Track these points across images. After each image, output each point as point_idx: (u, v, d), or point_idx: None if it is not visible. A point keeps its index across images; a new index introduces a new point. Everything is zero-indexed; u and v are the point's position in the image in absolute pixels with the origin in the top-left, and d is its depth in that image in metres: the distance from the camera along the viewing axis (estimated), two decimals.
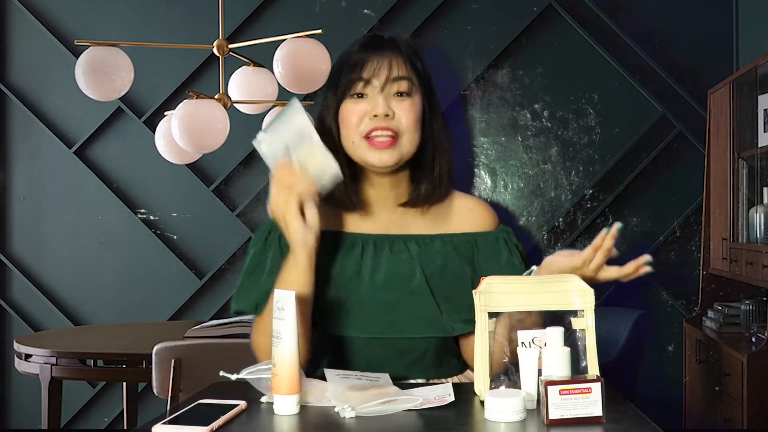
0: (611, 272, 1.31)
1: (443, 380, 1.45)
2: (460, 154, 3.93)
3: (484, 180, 4.01)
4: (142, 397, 3.83)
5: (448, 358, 1.48)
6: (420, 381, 1.43)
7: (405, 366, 1.43)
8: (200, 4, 4.00)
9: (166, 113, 3.03)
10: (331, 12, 4.02)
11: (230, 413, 1.14)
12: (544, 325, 1.24)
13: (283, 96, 3.25)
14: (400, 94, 1.42)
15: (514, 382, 1.22)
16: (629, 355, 3.18)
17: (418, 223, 1.48)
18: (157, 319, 4.02)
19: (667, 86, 3.92)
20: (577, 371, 1.21)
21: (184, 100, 2.67)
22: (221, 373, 1.24)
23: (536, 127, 3.99)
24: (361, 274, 1.42)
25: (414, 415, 1.16)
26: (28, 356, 2.82)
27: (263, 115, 3.08)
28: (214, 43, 2.82)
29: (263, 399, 1.24)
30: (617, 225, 1.30)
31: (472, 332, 1.27)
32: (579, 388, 1.10)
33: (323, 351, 1.44)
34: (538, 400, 1.16)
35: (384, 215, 1.48)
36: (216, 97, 2.75)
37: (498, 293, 1.24)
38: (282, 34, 2.88)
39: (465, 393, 1.27)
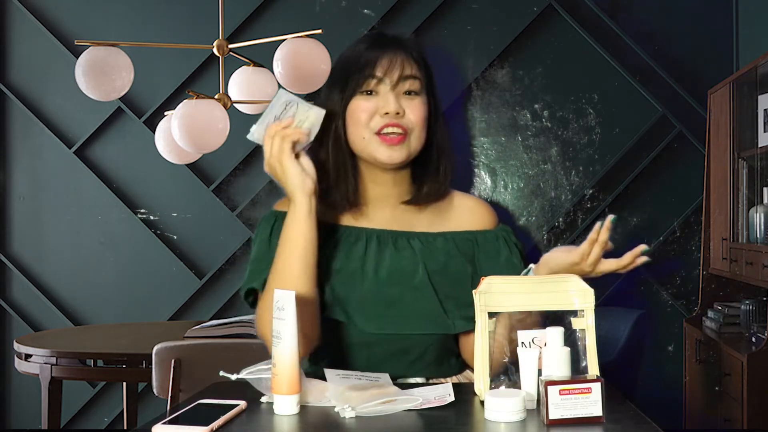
0: (609, 264, 1.32)
1: (442, 380, 1.45)
2: (460, 154, 3.93)
3: (484, 180, 4.01)
4: (142, 397, 3.83)
5: (448, 358, 1.48)
6: (420, 380, 1.43)
7: (405, 364, 1.44)
8: (200, 4, 4.00)
9: (166, 113, 3.02)
10: (331, 12, 4.02)
11: (230, 413, 1.14)
12: (544, 325, 1.24)
13: None
14: (409, 92, 1.44)
15: (514, 382, 1.22)
16: (629, 355, 3.18)
17: (420, 221, 1.49)
18: (157, 319, 4.02)
19: (667, 86, 3.92)
20: (577, 371, 1.21)
21: (184, 100, 2.67)
22: (221, 373, 1.24)
23: (536, 127, 3.99)
24: (365, 269, 1.43)
25: (414, 415, 1.16)
26: (28, 356, 2.82)
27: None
28: (214, 43, 2.82)
29: (263, 399, 1.24)
30: (611, 217, 1.30)
31: (473, 330, 1.27)
32: (579, 388, 1.10)
33: (324, 345, 1.44)
34: (538, 400, 1.16)
35: (386, 212, 1.49)
36: (216, 97, 2.75)
37: (498, 293, 1.25)
38: (282, 34, 2.88)
39: (465, 393, 1.27)
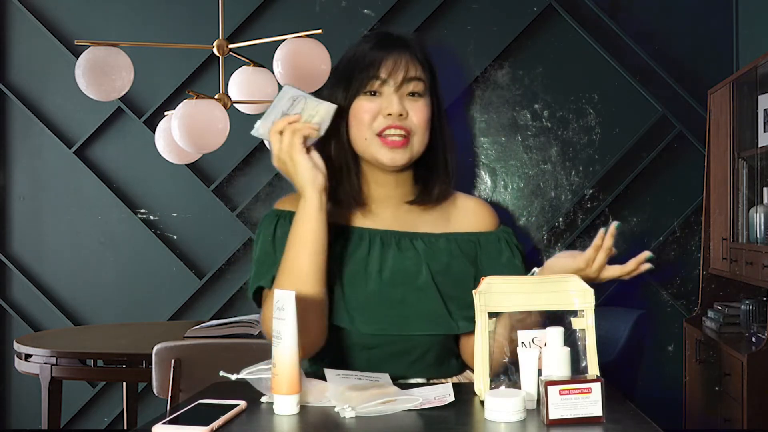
0: (613, 271, 1.32)
1: (443, 380, 1.45)
2: (462, 154, 3.93)
3: (484, 180, 4.01)
4: (142, 397, 3.83)
5: (448, 358, 1.48)
6: (420, 381, 1.43)
7: (406, 365, 1.43)
8: (200, 4, 4.00)
9: (166, 113, 3.02)
10: (331, 12, 4.02)
11: (230, 413, 1.14)
12: (544, 325, 1.24)
13: None
14: (413, 94, 1.44)
15: (514, 382, 1.22)
16: (629, 355, 3.18)
17: (422, 222, 1.49)
18: (157, 319, 4.02)
19: (667, 86, 3.92)
20: (577, 371, 1.21)
21: (184, 100, 2.67)
22: (221, 373, 1.24)
23: (536, 127, 3.99)
24: (368, 269, 1.43)
25: (414, 415, 1.16)
26: (28, 356, 2.82)
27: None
28: (214, 43, 2.82)
29: (263, 399, 1.24)
30: (615, 224, 1.31)
31: (474, 331, 1.27)
32: (579, 388, 1.10)
33: (325, 346, 1.43)
34: (538, 400, 1.16)
35: (388, 213, 1.48)
36: (216, 97, 2.75)
37: (498, 293, 1.25)
38: (282, 34, 2.88)
39: (465, 393, 1.27)
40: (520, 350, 1.22)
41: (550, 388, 1.09)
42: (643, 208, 3.94)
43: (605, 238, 1.30)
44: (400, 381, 1.39)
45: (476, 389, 1.25)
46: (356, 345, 1.43)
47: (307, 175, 1.35)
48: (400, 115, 1.41)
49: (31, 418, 4.09)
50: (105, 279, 4.09)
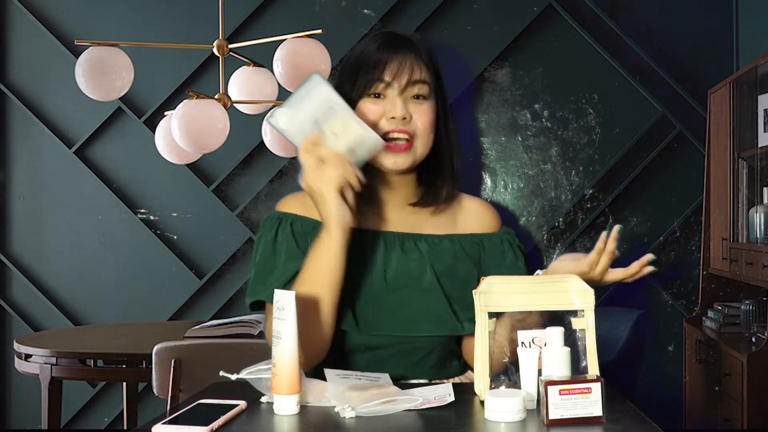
0: (616, 274, 1.32)
1: (444, 381, 1.45)
2: (465, 154, 3.93)
3: (484, 180, 4.01)
4: (142, 397, 3.83)
5: (450, 360, 1.48)
6: (422, 381, 1.43)
7: (408, 366, 1.43)
8: (200, 4, 4.00)
9: (166, 113, 3.03)
10: (331, 12, 4.02)
11: (230, 413, 1.14)
12: (544, 325, 1.24)
13: (283, 96, 3.25)
14: (417, 97, 1.42)
15: (514, 382, 1.22)
16: (629, 355, 3.18)
17: (426, 223, 1.49)
18: (157, 319, 4.02)
19: (667, 86, 3.92)
20: (577, 371, 1.21)
21: (184, 100, 2.67)
22: (221, 373, 1.24)
23: (536, 127, 3.99)
24: (373, 271, 1.42)
25: (414, 415, 1.16)
26: (28, 356, 2.82)
27: (263, 115, 3.08)
28: (214, 43, 2.82)
29: (263, 399, 1.24)
30: (617, 227, 1.31)
31: None
32: (579, 388, 1.10)
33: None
34: (538, 400, 1.16)
35: (393, 214, 1.48)
36: (216, 97, 2.75)
37: (498, 293, 1.24)
38: (282, 34, 2.89)
39: (465, 393, 1.27)
40: (520, 350, 1.22)
41: (550, 388, 1.09)
42: (643, 208, 3.94)
43: (608, 242, 1.30)
44: (401, 381, 1.39)
45: (476, 389, 1.25)
46: (359, 346, 1.42)
47: (337, 213, 1.32)
48: (404, 118, 1.40)
49: (31, 418, 4.09)
50: (105, 279, 4.09)
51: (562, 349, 1.19)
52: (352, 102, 1.42)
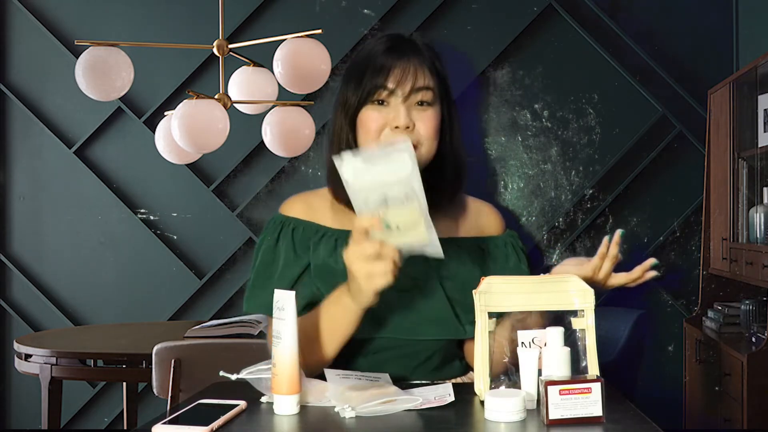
0: (619, 278, 1.32)
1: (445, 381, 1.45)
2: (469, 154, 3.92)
3: (484, 180, 4.01)
4: (142, 397, 3.83)
5: (452, 361, 1.48)
6: (422, 381, 1.43)
7: (410, 368, 1.43)
8: (200, 4, 4.00)
9: (166, 113, 3.02)
10: (331, 12, 4.02)
11: (230, 413, 1.14)
12: (545, 325, 1.24)
13: (283, 96, 3.25)
14: (421, 103, 1.41)
15: (514, 382, 1.22)
16: (629, 355, 3.18)
17: None
18: (157, 319, 4.02)
19: (667, 86, 3.92)
20: (577, 371, 1.21)
21: (184, 100, 2.67)
22: (221, 373, 1.24)
23: (536, 127, 3.99)
24: None
25: (414, 415, 1.16)
26: (28, 356, 2.82)
27: (263, 115, 3.08)
28: (214, 43, 2.82)
29: (263, 399, 1.24)
30: (619, 231, 1.31)
31: None
32: (579, 388, 1.10)
33: None
34: (538, 400, 1.16)
35: None
36: (216, 97, 2.75)
37: (498, 293, 1.24)
38: (282, 34, 2.88)
39: (465, 393, 1.27)
40: (520, 350, 1.22)
41: (550, 388, 1.09)
42: (643, 208, 3.94)
43: (610, 247, 1.30)
44: (401, 381, 1.39)
45: (476, 389, 1.25)
46: (362, 348, 1.42)
47: (367, 302, 1.28)
48: (407, 127, 1.39)
49: (31, 418, 4.09)
50: (105, 279, 4.09)
51: (562, 349, 1.19)
52: (356, 109, 1.41)
